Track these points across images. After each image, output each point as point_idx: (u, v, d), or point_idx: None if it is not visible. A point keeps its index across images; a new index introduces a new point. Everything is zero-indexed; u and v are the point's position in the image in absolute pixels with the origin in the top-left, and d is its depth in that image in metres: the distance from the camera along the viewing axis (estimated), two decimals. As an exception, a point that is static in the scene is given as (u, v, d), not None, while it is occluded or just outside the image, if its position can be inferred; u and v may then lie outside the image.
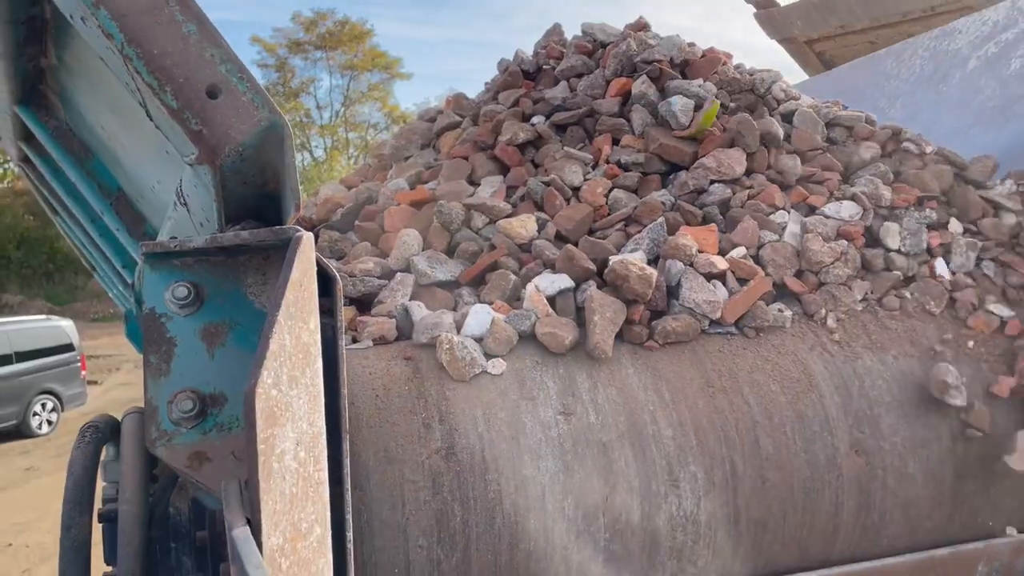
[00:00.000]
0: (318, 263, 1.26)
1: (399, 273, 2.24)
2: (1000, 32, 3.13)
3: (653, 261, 2.27)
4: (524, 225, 2.32)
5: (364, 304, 2.23)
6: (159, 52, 1.11)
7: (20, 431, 14.32)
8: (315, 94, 44.57)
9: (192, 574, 1.63)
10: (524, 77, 3.14)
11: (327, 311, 1.32)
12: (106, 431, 1.56)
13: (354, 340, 2.07)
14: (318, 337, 1.22)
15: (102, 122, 2.24)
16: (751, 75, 2.86)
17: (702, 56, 2.94)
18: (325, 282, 1.32)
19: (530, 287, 2.12)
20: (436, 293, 2.21)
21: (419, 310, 2.09)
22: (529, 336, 2.06)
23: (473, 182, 2.68)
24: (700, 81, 2.78)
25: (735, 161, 2.51)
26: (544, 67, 3.13)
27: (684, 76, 2.87)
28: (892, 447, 2.16)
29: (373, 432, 1.82)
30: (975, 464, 2.22)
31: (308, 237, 1.18)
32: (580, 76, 2.99)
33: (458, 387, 1.94)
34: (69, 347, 15.58)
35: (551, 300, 2.13)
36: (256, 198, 1.34)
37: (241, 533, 0.95)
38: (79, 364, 15.77)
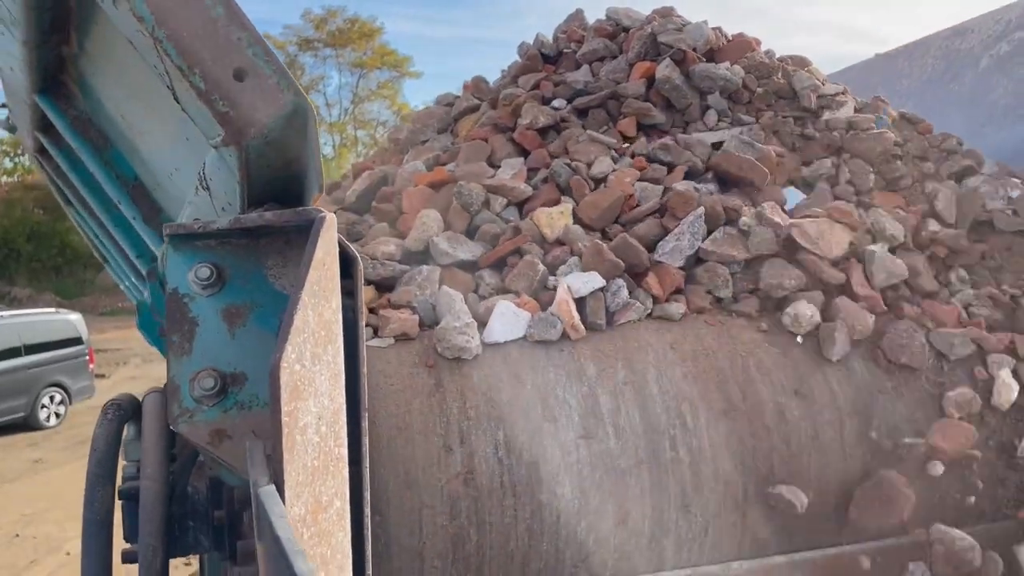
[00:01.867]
0: (340, 245, 1.29)
1: (424, 267, 2.23)
2: (1013, 31, 3.14)
3: (693, 256, 2.28)
4: (552, 223, 2.30)
5: (384, 287, 2.24)
6: (188, 34, 1.14)
7: (28, 423, 14.40)
8: (324, 92, 44.61)
9: (210, 551, 1.66)
10: (544, 61, 3.11)
11: (348, 292, 1.34)
12: (128, 409, 1.59)
13: (376, 333, 2.08)
14: (339, 316, 1.25)
15: (122, 110, 2.27)
16: (780, 61, 2.87)
17: (730, 41, 2.94)
18: (346, 263, 1.34)
19: (561, 289, 2.10)
20: (456, 275, 2.21)
21: (445, 305, 2.09)
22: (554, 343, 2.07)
23: (493, 164, 2.68)
24: (727, 64, 2.78)
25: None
26: (565, 51, 3.10)
27: (712, 60, 2.87)
28: None
29: (394, 454, 1.84)
30: None
31: (331, 218, 1.20)
32: (602, 60, 2.98)
33: (480, 403, 1.94)
34: (78, 340, 15.66)
35: (581, 301, 2.12)
36: (279, 181, 1.37)
37: (267, 489, 0.98)
38: (87, 357, 15.84)
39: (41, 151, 3.44)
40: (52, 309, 17.57)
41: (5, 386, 13.88)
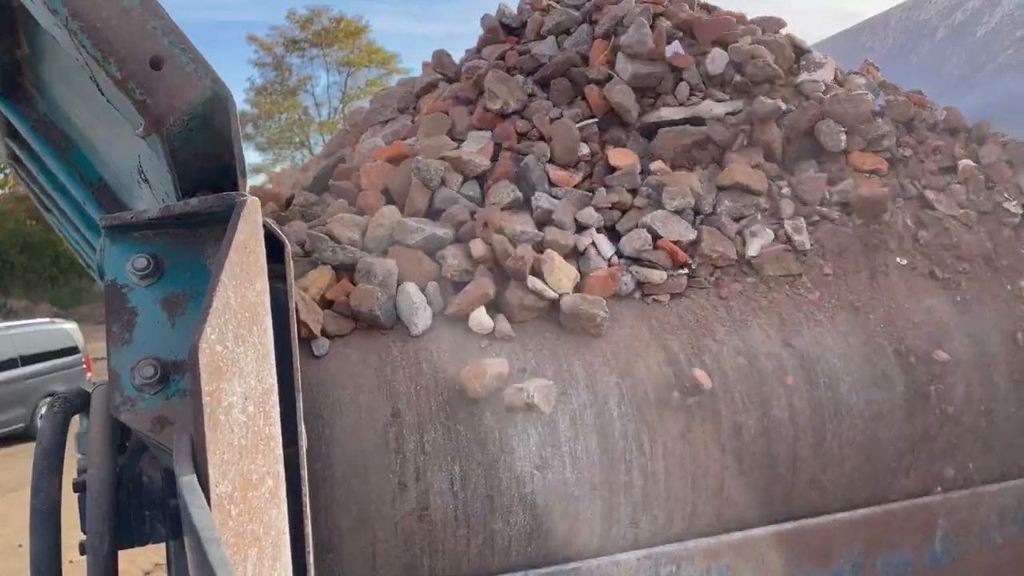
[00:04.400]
0: (267, 228, 1.31)
1: (381, 262, 2.17)
2: (967, 0, 3.16)
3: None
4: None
5: (345, 270, 2.22)
6: (102, 25, 1.15)
7: (28, 434, 14.42)
8: (313, 91, 44.53)
9: (167, 540, 1.68)
10: (508, 33, 3.05)
11: (280, 276, 1.36)
12: (75, 402, 1.61)
13: (325, 334, 2.08)
14: (266, 299, 1.27)
15: (76, 111, 2.28)
16: (753, 22, 2.84)
17: (711, 14, 2.88)
18: (278, 248, 1.36)
19: None
20: (423, 262, 2.18)
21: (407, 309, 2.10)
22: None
23: (454, 137, 2.63)
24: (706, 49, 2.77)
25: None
26: (529, 22, 3.05)
27: (690, 35, 2.82)
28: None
29: (349, 492, 1.87)
30: None
31: (254, 202, 1.22)
32: (568, 32, 2.92)
33: (437, 436, 1.96)
34: (74, 350, 15.69)
35: None
36: (209, 169, 1.38)
37: (188, 480, 1.00)
38: (84, 366, 15.86)
39: (14, 158, 3.46)
40: (47, 319, 17.60)
41: (3, 398, 13.90)
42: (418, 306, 2.07)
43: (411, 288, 2.10)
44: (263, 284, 1.26)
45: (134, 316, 1.42)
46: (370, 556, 1.89)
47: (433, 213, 2.37)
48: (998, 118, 3.04)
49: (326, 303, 2.07)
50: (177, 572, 1.92)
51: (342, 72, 44.25)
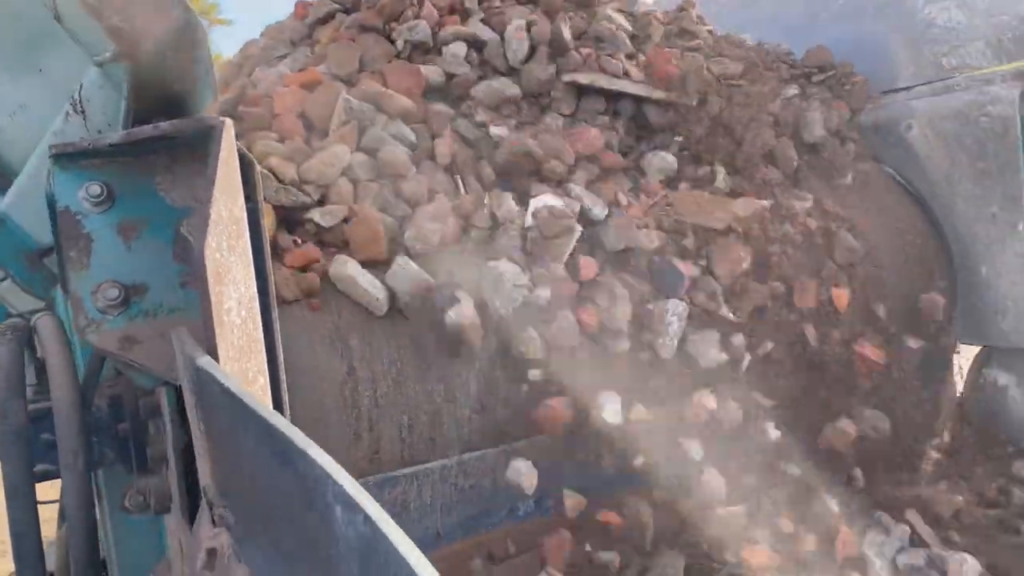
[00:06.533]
0: (237, 148, 1.39)
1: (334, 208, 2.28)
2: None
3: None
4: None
5: (291, 221, 2.29)
6: (77, -49, 1.20)
7: None
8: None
9: (114, 465, 1.73)
10: None
11: (247, 196, 1.45)
12: (23, 330, 1.62)
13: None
14: (245, 215, 1.37)
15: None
16: None
17: None
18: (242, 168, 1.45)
19: None
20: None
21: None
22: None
23: (364, 66, 2.69)
24: None
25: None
26: None
27: None
28: None
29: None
30: None
31: (229, 123, 1.31)
32: None
33: (389, 391, 2.16)
34: None
35: None
36: (166, 97, 1.45)
37: (207, 360, 1.10)
38: None
39: None
40: None
41: None
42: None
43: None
44: (242, 201, 1.35)
45: (90, 241, 1.47)
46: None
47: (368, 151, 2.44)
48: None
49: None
50: (110, 499, 1.95)
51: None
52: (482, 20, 2.87)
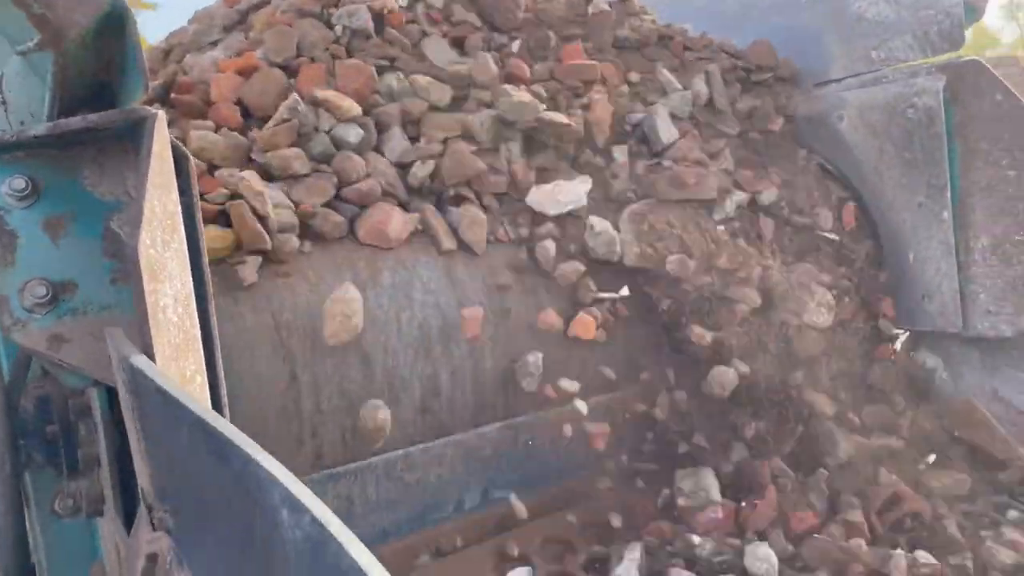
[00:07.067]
0: (171, 141, 1.35)
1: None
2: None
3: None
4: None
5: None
6: (-6, -65, 1.14)
7: None
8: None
9: (43, 468, 1.67)
10: None
11: (182, 190, 1.41)
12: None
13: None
14: (179, 209, 1.33)
15: None
16: None
17: None
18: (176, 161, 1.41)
19: None
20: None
21: None
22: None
23: (301, 52, 2.61)
24: None
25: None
26: None
27: None
28: None
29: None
30: None
31: (162, 115, 1.27)
32: None
33: (333, 396, 2.13)
34: None
35: None
36: (90, 87, 1.39)
37: (142, 359, 1.07)
38: None
39: None
40: None
41: None
42: None
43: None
44: (176, 195, 1.31)
45: (14, 238, 1.41)
46: None
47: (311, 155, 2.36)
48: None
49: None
50: (39, 503, 1.89)
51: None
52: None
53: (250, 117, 2.43)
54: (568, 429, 2.45)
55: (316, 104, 2.38)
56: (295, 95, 2.35)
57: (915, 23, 3.17)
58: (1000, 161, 2.94)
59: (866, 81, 3.30)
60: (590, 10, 3.18)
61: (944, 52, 3.11)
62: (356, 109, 2.42)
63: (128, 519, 1.46)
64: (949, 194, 3.06)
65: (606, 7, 3.22)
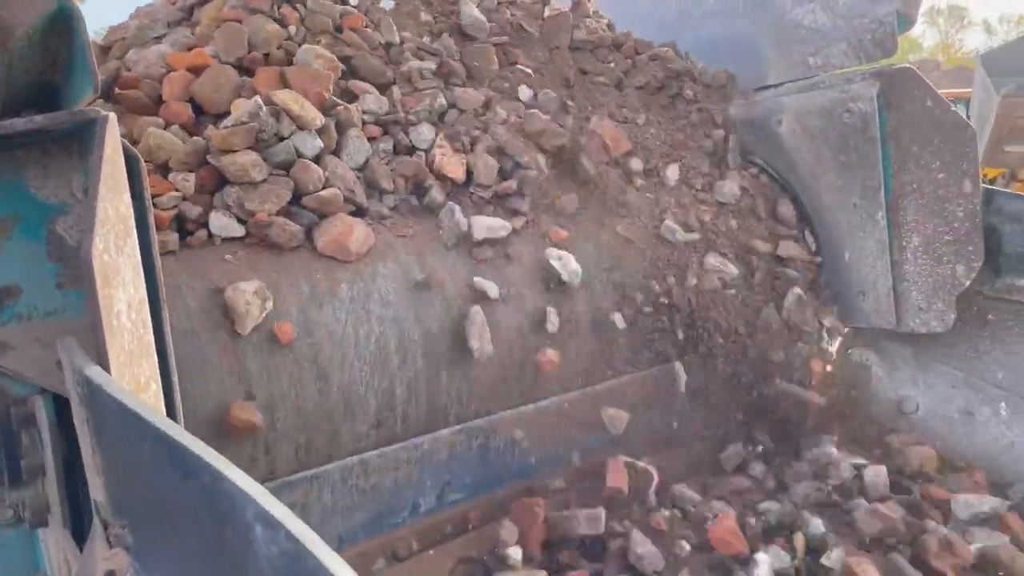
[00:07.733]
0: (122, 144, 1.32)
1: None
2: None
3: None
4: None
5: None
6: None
7: None
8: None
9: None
10: None
11: (134, 194, 1.37)
12: None
13: None
14: (132, 212, 1.29)
15: None
16: None
17: None
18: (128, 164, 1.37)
19: None
20: None
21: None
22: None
23: (252, 48, 2.54)
24: None
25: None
26: None
27: None
28: None
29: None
30: None
31: (113, 117, 1.23)
32: None
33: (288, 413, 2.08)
34: None
35: None
36: (34, 87, 1.35)
37: (96, 370, 1.04)
38: None
39: None
40: None
41: None
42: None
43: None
44: (128, 198, 1.28)
45: (-45, 242, 1.36)
46: None
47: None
48: (704, 59, 3.61)
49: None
50: None
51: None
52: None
53: (203, 114, 2.36)
54: (520, 433, 2.47)
55: (276, 111, 2.29)
56: (257, 99, 2.27)
57: (850, 31, 3.27)
58: (931, 164, 3.06)
59: (803, 87, 3.38)
60: (547, 12, 3.20)
61: (878, 59, 3.21)
62: (319, 120, 2.34)
63: (76, 531, 1.42)
64: (883, 195, 3.16)
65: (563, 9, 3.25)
